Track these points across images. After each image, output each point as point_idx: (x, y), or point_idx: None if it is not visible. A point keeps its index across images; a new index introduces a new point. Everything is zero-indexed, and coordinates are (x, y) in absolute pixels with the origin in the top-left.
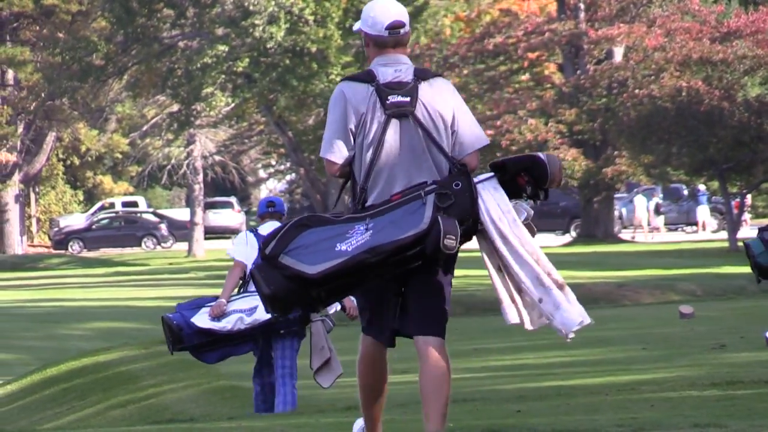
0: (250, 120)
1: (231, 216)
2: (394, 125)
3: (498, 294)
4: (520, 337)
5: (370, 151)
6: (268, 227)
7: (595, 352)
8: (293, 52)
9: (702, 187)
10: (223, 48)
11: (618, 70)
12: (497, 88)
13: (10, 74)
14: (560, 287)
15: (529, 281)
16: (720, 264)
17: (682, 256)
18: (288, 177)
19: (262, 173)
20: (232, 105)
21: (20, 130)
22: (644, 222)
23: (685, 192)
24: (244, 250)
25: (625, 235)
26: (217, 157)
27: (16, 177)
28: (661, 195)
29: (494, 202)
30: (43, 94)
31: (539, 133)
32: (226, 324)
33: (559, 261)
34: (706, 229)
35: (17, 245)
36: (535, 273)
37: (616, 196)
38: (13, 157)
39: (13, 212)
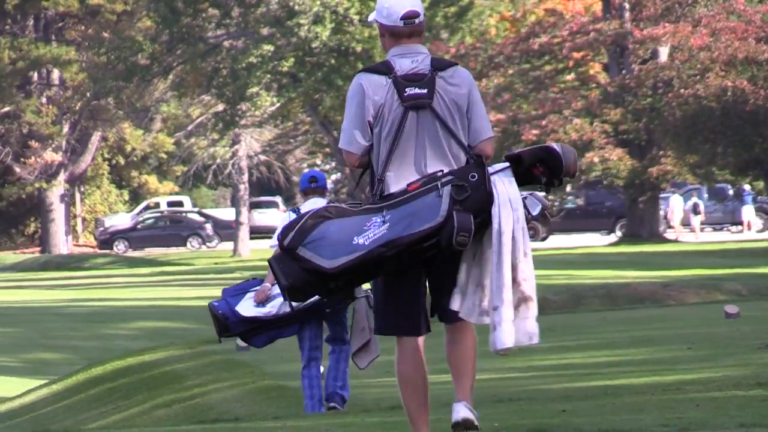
0: (296, 120)
1: (276, 216)
2: (411, 117)
3: (460, 276)
4: (566, 337)
5: (388, 143)
6: (310, 204)
7: (640, 351)
8: (338, 52)
9: (747, 186)
10: (268, 47)
11: (663, 69)
12: (542, 88)
13: (55, 74)
14: (524, 300)
15: (495, 287)
16: (765, 264)
17: (727, 255)
18: (333, 177)
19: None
20: (278, 105)
21: (65, 129)
22: (677, 222)
23: (731, 192)
24: None
25: (670, 234)
26: (262, 157)
27: (62, 177)
28: (706, 195)
29: (506, 196)
30: (88, 94)
31: (584, 132)
32: (271, 309)
33: (605, 261)
34: (752, 229)
35: (62, 245)
36: (502, 282)
37: (662, 195)
38: (58, 157)
39: (59, 212)
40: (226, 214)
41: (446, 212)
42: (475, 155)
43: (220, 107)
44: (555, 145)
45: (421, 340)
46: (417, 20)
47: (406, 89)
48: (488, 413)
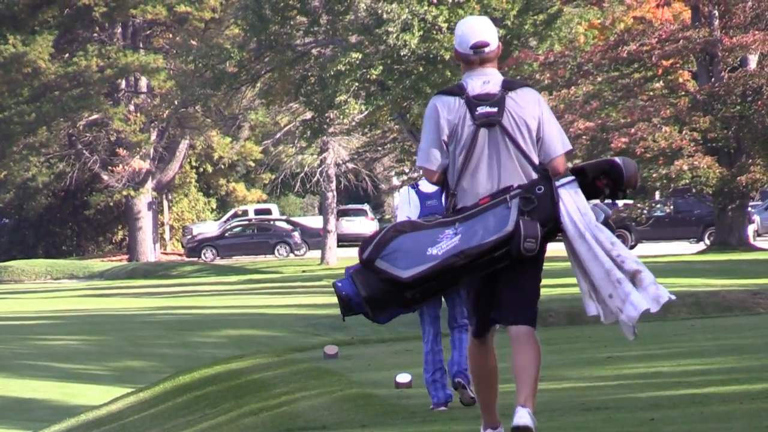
0: (384, 127)
1: (364, 223)
2: (482, 134)
3: (580, 288)
4: (653, 346)
5: (461, 159)
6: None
7: (729, 360)
8: (427, 60)
9: None
10: (356, 55)
11: (752, 77)
12: (631, 96)
13: (143, 82)
14: (635, 274)
15: (599, 278)
16: None
17: None
18: None
19: (395, 181)
20: (366, 112)
21: (153, 137)
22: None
23: None
24: (407, 210)
25: (759, 242)
26: (350, 165)
27: (149, 184)
28: None
29: (574, 205)
30: (176, 102)
31: (673, 140)
32: None
33: (693, 269)
34: None
35: (150, 253)
36: (606, 269)
37: (750, 204)
38: (146, 165)
39: (146, 220)
40: (314, 222)
41: (514, 223)
42: (542, 169)
43: (308, 115)
44: (617, 159)
45: (489, 335)
46: (487, 50)
47: (478, 108)
48: (576, 421)
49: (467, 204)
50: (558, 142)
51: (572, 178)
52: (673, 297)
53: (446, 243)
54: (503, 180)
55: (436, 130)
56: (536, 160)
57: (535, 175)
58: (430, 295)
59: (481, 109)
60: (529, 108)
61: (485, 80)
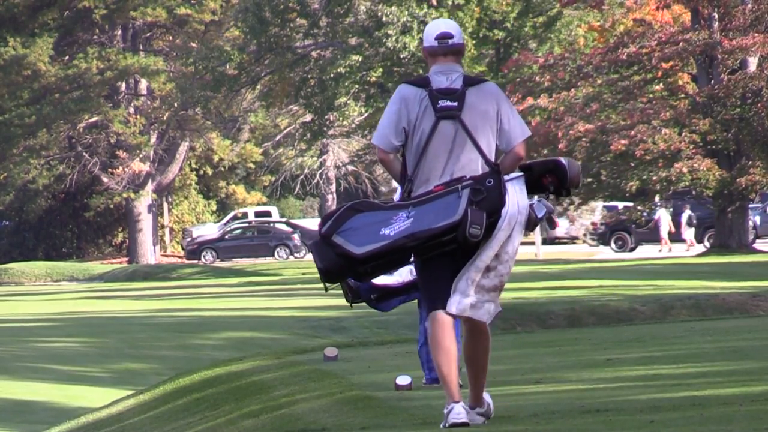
0: None
1: None
2: (442, 126)
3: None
4: (653, 348)
5: (419, 148)
6: None
7: (729, 362)
8: (426, 62)
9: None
10: (356, 58)
11: (752, 79)
12: (631, 98)
13: (143, 84)
14: (500, 288)
15: (472, 265)
16: None
17: None
18: None
19: (394, 183)
20: (365, 115)
21: (153, 139)
22: (664, 234)
23: None
24: None
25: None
26: (350, 167)
27: (149, 187)
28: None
29: (515, 201)
30: (176, 104)
31: (673, 143)
32: (399, 277)
33: (693, 271)
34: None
35: (150, 255)
36: (478, 266)
37: (750, 206)
38: (146, 167)
39: (146, 222)
40: (314, 224)
41: (463, 211)
42: (494, 164)
43: (308, 117)
44: (563, 159)
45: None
46: (450, 41)
47: (440, 101)
48: (576, 423)
49: (422, 190)
50: (517, 130)
51: (520, 174)
52: (488, 321)
53: (398, 225)
54: (457, 171)
55: (396, 115)
56: (490, 155)
57: (487, 169)
58: (381, 270)
59: (443, 103)
60: (488, 103)
61: (448, 75)
